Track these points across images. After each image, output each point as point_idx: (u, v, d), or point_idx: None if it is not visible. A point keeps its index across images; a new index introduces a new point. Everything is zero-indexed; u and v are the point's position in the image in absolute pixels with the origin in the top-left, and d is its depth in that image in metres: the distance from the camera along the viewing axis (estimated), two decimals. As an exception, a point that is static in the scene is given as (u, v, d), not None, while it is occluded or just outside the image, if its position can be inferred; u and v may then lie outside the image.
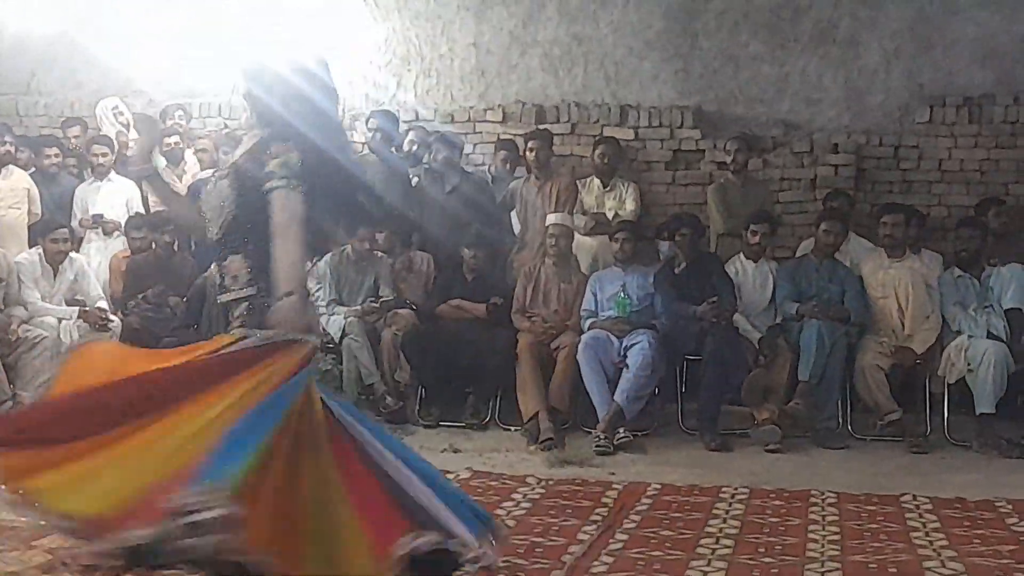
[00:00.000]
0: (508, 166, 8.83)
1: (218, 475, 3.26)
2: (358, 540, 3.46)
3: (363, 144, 8.76)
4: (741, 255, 7.97)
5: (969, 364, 7.12)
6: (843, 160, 9.03)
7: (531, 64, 9.66)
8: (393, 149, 8.80)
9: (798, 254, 8.22)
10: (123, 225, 8.51)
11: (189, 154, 9.21)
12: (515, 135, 9.12)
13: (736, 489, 5.91)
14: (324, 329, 7.75)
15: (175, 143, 9.04)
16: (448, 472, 6.14)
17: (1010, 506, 5.58)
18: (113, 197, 8.75)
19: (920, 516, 5.40)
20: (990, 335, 7.20)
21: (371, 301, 7.92)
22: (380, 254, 8.14)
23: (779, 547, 4.84)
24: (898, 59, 9.17)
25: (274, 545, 3.25)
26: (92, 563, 4.30)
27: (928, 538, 5.01)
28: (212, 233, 3.85)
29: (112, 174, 8.79)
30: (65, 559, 4.42)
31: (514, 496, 5.71)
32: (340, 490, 3.52)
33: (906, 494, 5.78)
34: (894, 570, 4.50)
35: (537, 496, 5.74)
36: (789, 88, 9.33)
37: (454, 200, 8.39)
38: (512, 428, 7.49)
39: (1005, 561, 4.62)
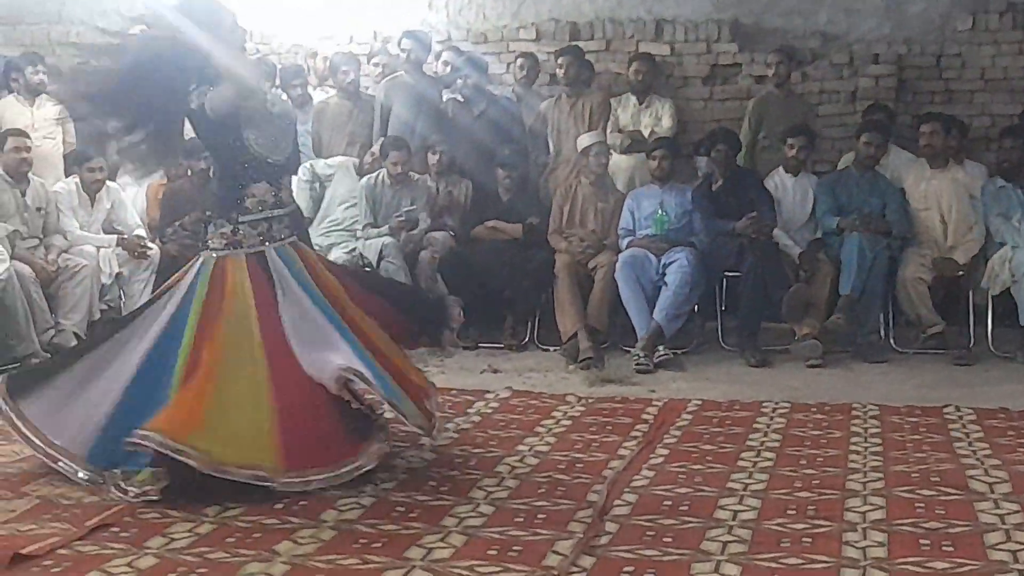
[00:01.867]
0: (527, 78, 8.71)
1: None
2: None
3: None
4: (781, 169, 7.86)
5: (1014, 275, 7.02)
6: (883, 71, 8.85)
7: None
8: (426, 70, 8.73)
9: (839, 167, 8.10)
10: (158, 153, 8.49)
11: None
12: (549, 53, 9.00)
13: (777, 404, 5.87)
14: (360, 252, 7.75)
15: None
16: (488, 392, 6.20)
17: (1055, 415, 5.52)
18: (148, 125, 8.71)
19: (963, 427, 5.35)
20: (1035, 245, 7.09)
21: (397, 217, 7.83)
22: (417, 176, 8.09)
23: (820, 459, 4.82)
24: (939, -36, 8.97)
25: None
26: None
27: (971, 448, 4.97)
28: (272, 157, 4.64)
29: (146, 102, 8.75)
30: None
31: (554, 414, 5.71)
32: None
33: (949, 406, 5.73)
34: (936, 479, 4.46)
35: (577, 414, 5.73)
36: (828, -2, 9.15)
37: (483, 124, 8.30)
38: (551, 348, 7.47)
39: (1049, 469, 4.59)
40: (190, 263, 4.74)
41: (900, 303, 7.34)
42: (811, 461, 4.80)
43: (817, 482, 4.47)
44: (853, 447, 5.01)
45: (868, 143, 7.63)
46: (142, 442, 4.09)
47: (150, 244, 7.85)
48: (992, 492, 4.30)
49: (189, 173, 8.17)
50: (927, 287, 7.25)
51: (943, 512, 4.07)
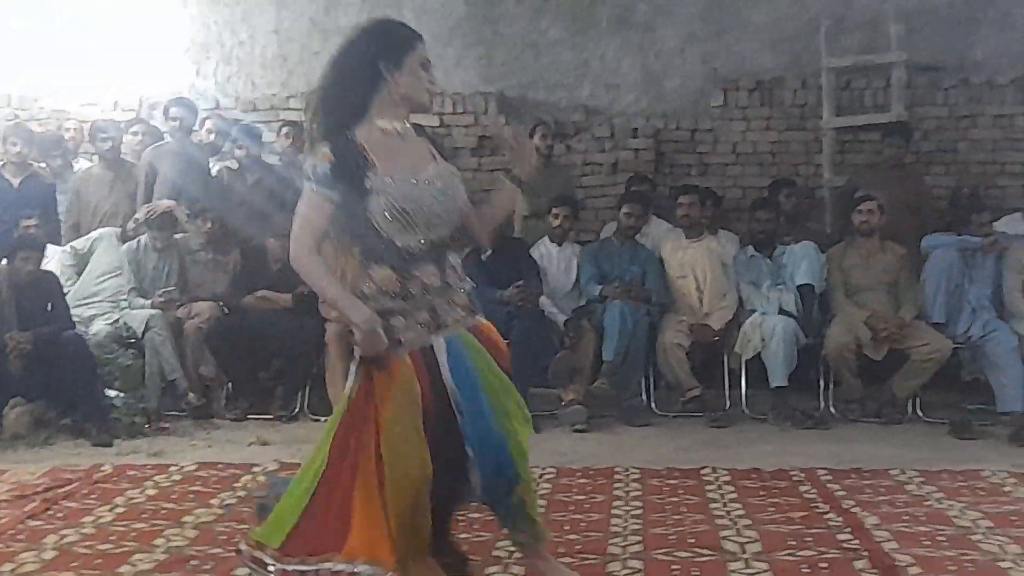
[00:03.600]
0: (294, 146, 8.66)
1: None
2: None
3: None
4: (546, 238, 8.08)
5: (763, 340, 7.39)
6: (642, 144, 9.27)
7: (334, 51, 9.53)
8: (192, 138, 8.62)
9: (602, 237, 8.38)
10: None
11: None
12: (318, 122, 9.02)
13: (543, 469, 5.94)
14: (125, 323, 7.55)
15: None
16: (255, 465, 6.10)
17: (802, 474, 5.79)
18: None
19: (719, 488, 5.56)
20: (782, 311, 7.48)
21: (159, 297, 7.70)
22: (179, 238, 7.98)
23: (584, 523, 4.93)
24: (693, 44, 9.45)
25: None
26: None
27: (726, 508, 5.16)
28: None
29: None
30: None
31: (323, 486, 5.65)
32: None
33: (706, 467, 5.96)
34: (693, 540, 4.62)
35: (346, 485, 5.69)
36: (589, 73, 9.53)
37: (257, 192, 8.24)
38: (322, 419, 7.39)
39: (796, 527, 4.80)
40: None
41: (660, 368, 7.62)
42: (575, 526, 4.90)
43: (580, 547, 4.57)
44: (615, 511, 5.14)
45: (629, 213, 7.93)
46: None
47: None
48: (744, 552, 4.47)
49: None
50: (685, 352, 7.54)
51: (698, 573, 4.21)
